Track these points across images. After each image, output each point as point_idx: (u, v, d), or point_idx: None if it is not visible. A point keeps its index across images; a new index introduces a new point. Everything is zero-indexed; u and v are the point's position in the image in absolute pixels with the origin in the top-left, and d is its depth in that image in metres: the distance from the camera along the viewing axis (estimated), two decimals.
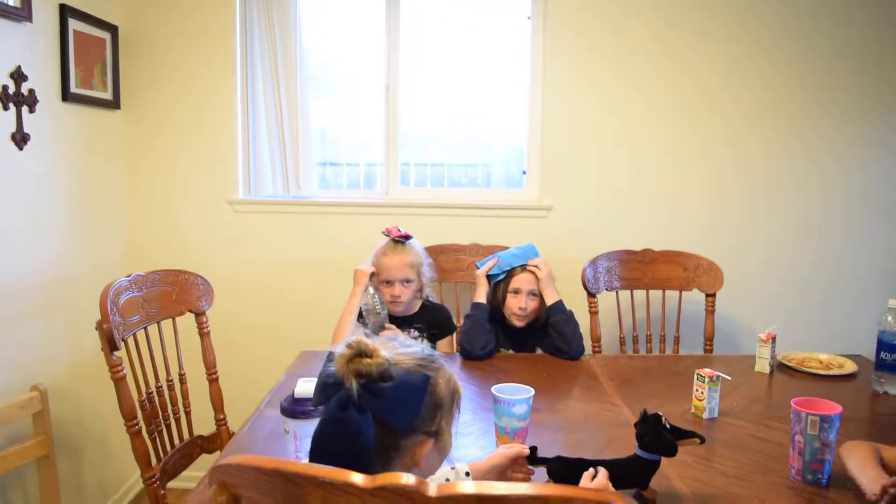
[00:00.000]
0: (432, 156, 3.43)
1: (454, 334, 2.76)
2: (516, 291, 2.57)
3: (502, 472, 1.47)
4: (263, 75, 3.12)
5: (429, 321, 2.66)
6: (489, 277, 2.63)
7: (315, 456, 1.09)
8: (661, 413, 1.48)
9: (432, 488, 0.87)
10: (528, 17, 3.22)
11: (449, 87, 3.35)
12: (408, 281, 2.57)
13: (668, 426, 1.47)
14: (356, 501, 0.88)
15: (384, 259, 2.56)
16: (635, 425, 1.49)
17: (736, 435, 1.85)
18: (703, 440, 1.49)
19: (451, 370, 1.21)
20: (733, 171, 3.18)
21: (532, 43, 3.21)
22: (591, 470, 1.40)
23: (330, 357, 1.13)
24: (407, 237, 2.62)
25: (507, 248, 3.00)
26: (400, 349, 1.16)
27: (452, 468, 1.42)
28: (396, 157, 3.28)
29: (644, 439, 1.45)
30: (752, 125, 3.15)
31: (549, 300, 2.54)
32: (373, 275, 2.56)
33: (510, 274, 2.59)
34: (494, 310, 2.60)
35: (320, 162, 3.38)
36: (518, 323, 2.56)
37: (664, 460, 1.48)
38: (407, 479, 0.87)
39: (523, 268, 2.59)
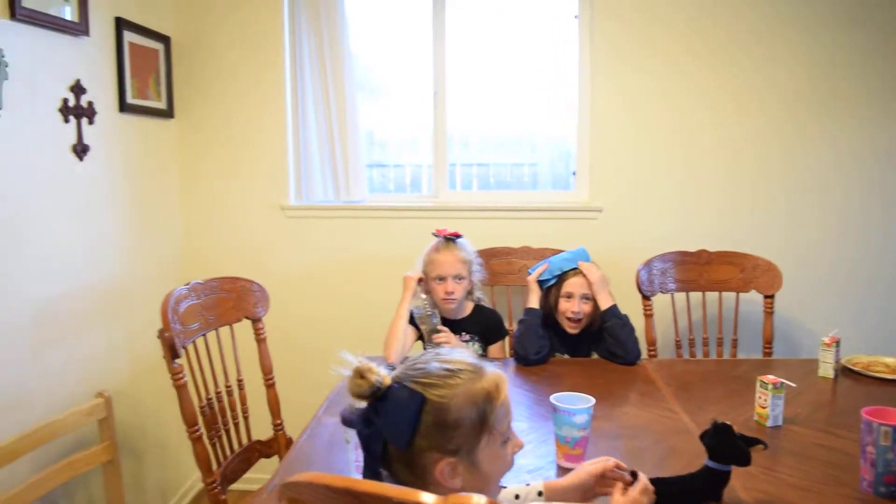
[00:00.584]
0: (478, 156, 3.42)
1: (506, 339, 2.74)
2: (569, 296, 2.54)
3: (588, 489, 1.38)
4: (313, 81, 3.15)
5: (480, 325, 2.66)
6: (541, 283, 2.61)
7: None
8: (729, 423, 1.45)
9: None
10: (576, 16, 3.19)
11: (495, 86, 3.34)
12: (460, 277, 2.57)
13: (738, 435, 1.44)
14: None
15: (436, 255, 2.57)
16: (702, 437, 1.46)
17: (801, 444, 1.81)
18: (766, 446, 1.46)
19: (488, 378, 1.18)
20: (789, 170, 3.10)
21: (580, 41, 3.18)
22: (621, 483, 1.35)
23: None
24: (457, 235, 2.63)
25: (558, 251, 2.97)
26: (419, 366, 1.19)
27: (528, 485, 1.40)
28: (445, 161, 3.28)
29: (718, 450, 1.42)
30: (810, 122, 3.07)
31: (603, 304, 2.51)
32: (420, 280, 2.57)
33: (562, 278, 2.57)
34: (548, 315, 2.58)
35: (367, 164, 3.40)
36: (571, 329, 2.54)
37: None
38: (478, 499, 0.86)
39: (575, 272, 2.57)
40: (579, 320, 2.53)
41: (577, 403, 1.68)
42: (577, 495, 1.38)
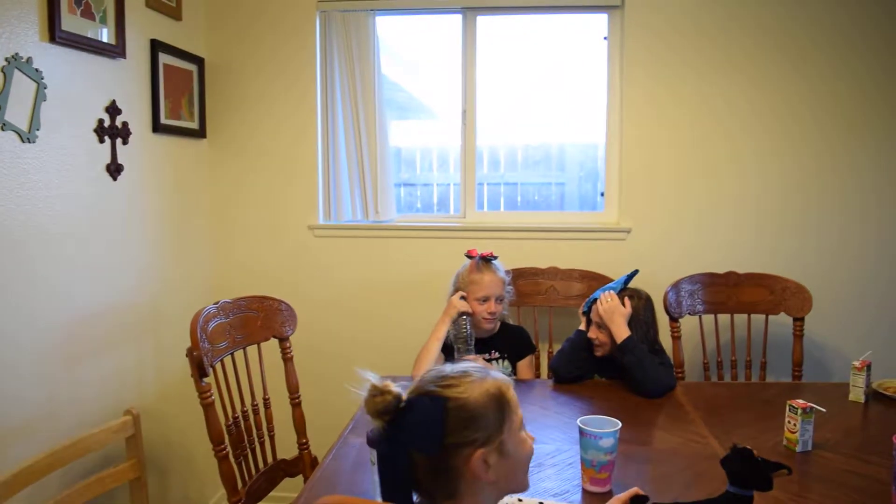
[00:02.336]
0: (506, 175, 3.43)
1: (533, 354, 2.75)
2: (592, 322, 2.53)
3: None
4: (343, 102, 3.18)
5: (509, 343, 2.67)
6: (585, 312, 2.61)
7: (382, 488, 1.20)
8: (750, 447, 1.43)
9: None
10: (605, 38, 3.19)
11: (524, 106, 3.35)
12: (501, 298, 2.60)
13: (759, 460, 1.41)
14: None
15: (478, 276, 2.58)
16: (723, 462, 1.44)
17: (831, 470, 1.78)
18: (790, 471, 1.43)
19: (493, 377, 1.24)
20: (818, 190, 3.06)
21: (609, 63, 3.18)
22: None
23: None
24: (494, 256, 2.65)
25: (587, 272, 2.99)
26: (430, 376, 1.24)
27: (520, 500, 1.42)
28: (473, 181, 3.29)
29: (739, 475, 1.40)
30: (842, 141, 3.03)
31: (617, 336, 2.43)
32: (464, 314, 2.57)
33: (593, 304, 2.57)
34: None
35: (395, 183, 3.42)
36: (596, 352, 2.53)
37: (757, 496, 1.43)
38: None
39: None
40: (600, 346, 2.51)
41: (604, 427, 1.67)
42: None
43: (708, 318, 2.92)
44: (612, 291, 2.51)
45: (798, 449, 1.88)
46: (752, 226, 3.10)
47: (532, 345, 2.74)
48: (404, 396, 1.19)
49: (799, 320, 2.81)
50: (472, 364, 1.26)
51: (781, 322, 2.91)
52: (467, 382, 1.20)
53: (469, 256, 2.64)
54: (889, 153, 3.02)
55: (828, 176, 3.06)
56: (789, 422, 1.91)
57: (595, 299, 2.53)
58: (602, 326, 2.48)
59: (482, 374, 1.23)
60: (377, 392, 1.17)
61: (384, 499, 1.18)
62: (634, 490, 1.46)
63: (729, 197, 3.10)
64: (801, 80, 3.02)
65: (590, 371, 2.57)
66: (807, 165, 3.05)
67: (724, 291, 2.92)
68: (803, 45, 3.00)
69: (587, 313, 2.56)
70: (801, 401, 1.90)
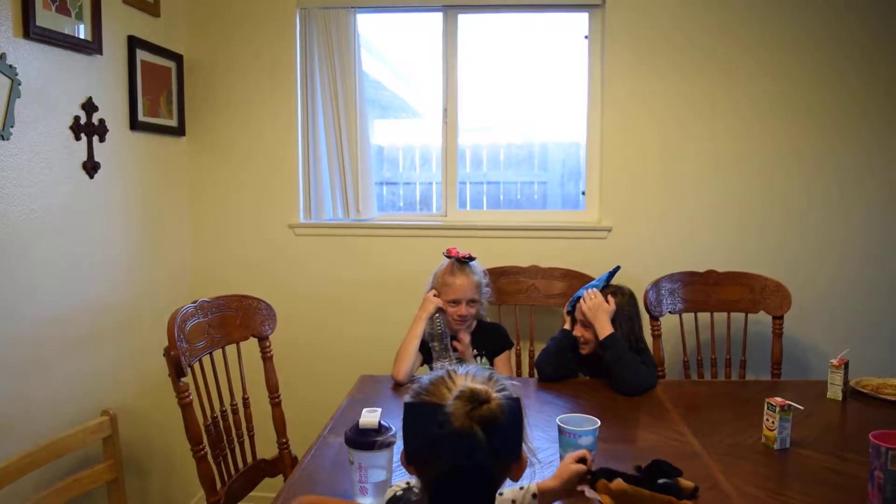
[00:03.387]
0: (488, 174, 3.43)
1: (512, 349, 2.77)
2: (577, 320, 2.54)
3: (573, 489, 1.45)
4: (324, 100, 3.16)
5: (486, 340, 2.67)
6: (569, 311, 2.61)
7: None
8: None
9: None
10: (586, 37, 3.20)
11: (505, 105, 3.36)
12: (474, 301, 2.58)
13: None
14: None
15: (451, 279, 2.57)
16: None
17: (809, 467, 1.79)
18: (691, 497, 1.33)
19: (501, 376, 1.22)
20: (799, 189, 3.08)
21: (589, 62, 3.19)
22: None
23: (415, 410, 1.14)
24: (471, 258, 2.63)
25: (567, 270, 2.99)
26: (479, 379, 1.16)
27: (521, 488, 1.41)
28: (455, 180, 3.28)
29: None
30: (818, 142, 3.06)
31: (600, 333, 2.43)
32: (440, 308, 2.57)
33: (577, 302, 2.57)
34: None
35: (377, 181, 3.41)
36: (581, 350, 2.53)
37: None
38: None
39: None
40: (585, 343, 2.52)
41: (583, 425, 1.67)
42: (566, 493, 1.45)
43: (688, 317, 2.93)
44: (595, 289, 2.51)
45: (776, 447, 1.89)
46: (733, 225, 3.12)
47: (509, 340, 2.74)
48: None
49: (778, 319, 2.82)
50: (476, 367, 1.22)
51: (761, 320, 2.93)
52: (504, 384, 1.16)
53: (448, 256, 2.63)
54: (870, 152, 3.05)
55: (809, 175, 3.08)
56: (767, 419, 1.92)
57: (579, 297, 2.53)
58: (587, 324, 2.49)
59: (498, 374, 1.20)
60: (484, 399, 1.08)
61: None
62: (584, 453, 1.49)
63: (710, 196, 3.12)
64: (783, 79, 3.04)
65: (574, 370, 2.57)
66: (788, 164, 3.07)
67: (704, 290, 2.93)
68: (785, 43, 3.02)
69: (571, 312, 2.56)
70: (779, 398, 1.90)
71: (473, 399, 1.07)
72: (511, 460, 1.13)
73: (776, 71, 3.04)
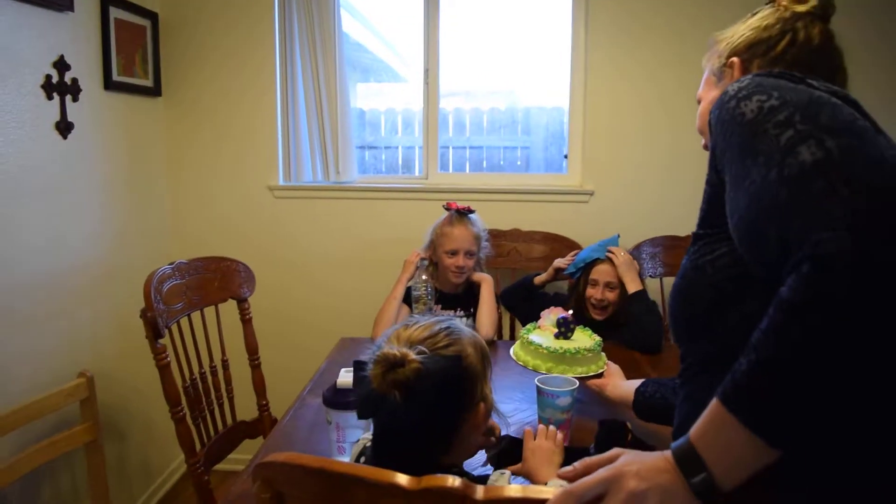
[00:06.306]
0: (471, 138, 3.40)
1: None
2: (594, 283, 2.57)
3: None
4: (303, 60, 3.11)
5: (474, 300, 2.65)
6: (570, 275, 2.63)
7: (380, 463, 1.10)
8: (628, 423, 1.41)
9: (479, 491, 0.85)
10: None
11: (488, 67, 3.32)
12: (471, 253, 2.59)
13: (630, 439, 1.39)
14: (401, 502, 0.86)
15: (450, 229, 2.57)
16: (596, 436, 1.43)
17: None
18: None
19: (466, 328, 1.22)
20: None
21: (573, 24, 3.15)
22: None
23: (358, 367, 1.14)
24: (470, 210, 2.64)
25: (549, 234, 2.98)
26: (423, 334, 1.15)
27: (502, 473, 1.40)
28: (436, 142, 3.25)
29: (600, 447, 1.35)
30: None
31: (630, 287, 2.52)
32: (423, 259, 2.55)
33: (590, 266, 2.59)
34: (577, 303, 2.60)
35: (359, 145, 3.37)
36: (596, 315, 2.55)
37: None
38: (453, 481, 0.85)
39: (603, 260, 2.59)
40: (605, 307, 2.54)
41: (561, 386, 1.68)
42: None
43: (669, 281, 2.94)
44: (617, 247, 2.59)
45: None
46: None
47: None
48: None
49: None
50: (439, 317, 1.22)
51: None
52: (457, 338, 1.15)
53: (447, 208, 2.62)
54: None
55: None
56: None
57: (584, 261, 2.55)
58: (613, 285, 2.53)
59: (458, 327, 1.19)
60: (398, 362, 1.06)
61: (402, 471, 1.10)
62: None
63: (691, 160, 3.10)
64: None
65: (529, 314, 2.54)
66: None
67: (684, 254, 2.92)
68: None
69: (575, 275, 2.58)
70: None
71: (386, 363, 1.06)
72: (454, 416, 1.13)
73: None
